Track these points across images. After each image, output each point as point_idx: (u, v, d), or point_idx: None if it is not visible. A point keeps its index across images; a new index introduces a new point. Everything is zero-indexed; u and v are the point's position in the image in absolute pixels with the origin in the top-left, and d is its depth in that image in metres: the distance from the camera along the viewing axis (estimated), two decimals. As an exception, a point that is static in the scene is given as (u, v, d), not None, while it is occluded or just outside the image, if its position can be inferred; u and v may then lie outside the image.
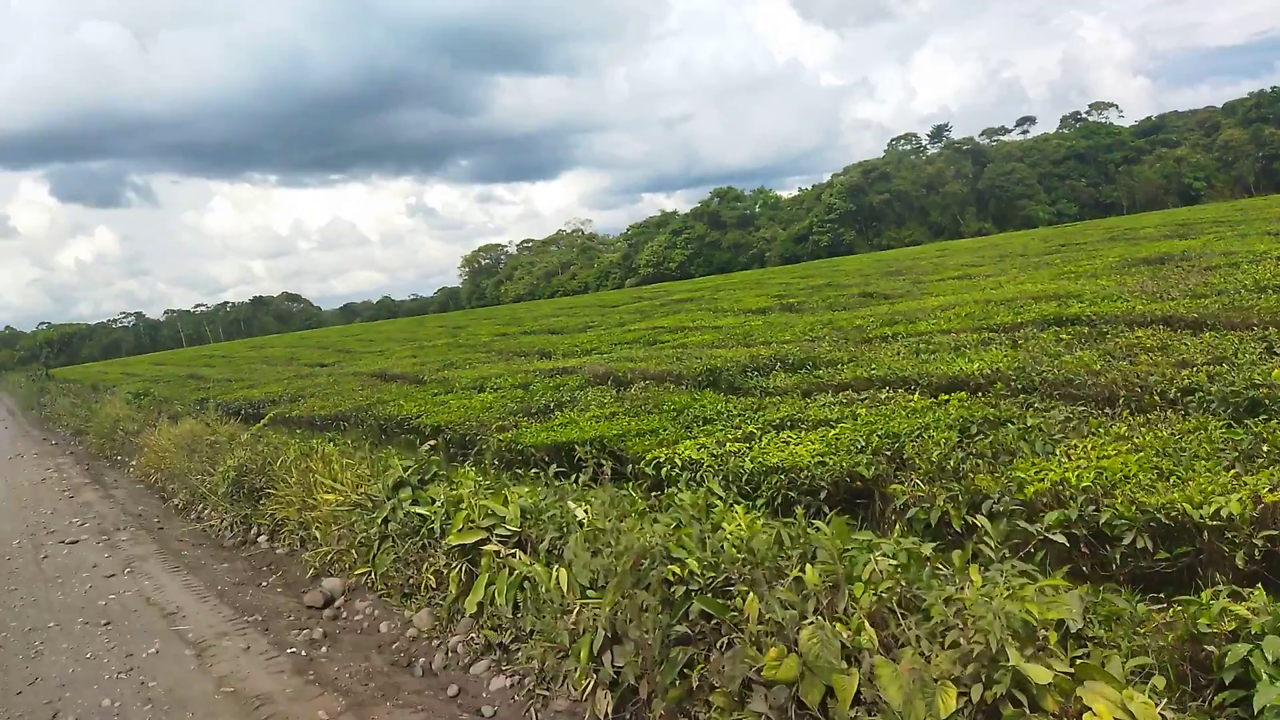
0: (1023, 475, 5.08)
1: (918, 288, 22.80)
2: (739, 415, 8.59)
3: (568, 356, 18.22)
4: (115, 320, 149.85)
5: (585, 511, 4.77)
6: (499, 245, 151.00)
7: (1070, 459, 5.27)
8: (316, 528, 7.53)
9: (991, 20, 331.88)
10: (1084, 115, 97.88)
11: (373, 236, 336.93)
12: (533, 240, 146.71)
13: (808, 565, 3.49)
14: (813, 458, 6.31)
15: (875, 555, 3.57)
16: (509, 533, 4.95)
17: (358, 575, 6.36)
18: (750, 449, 6.95)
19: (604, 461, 7.22)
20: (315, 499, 7.75)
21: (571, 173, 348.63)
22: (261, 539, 8.68)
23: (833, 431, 6.97)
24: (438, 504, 6.03)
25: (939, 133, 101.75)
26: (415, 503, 6.22)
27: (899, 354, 10.32)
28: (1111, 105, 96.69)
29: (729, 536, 3.95)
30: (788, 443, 6.94)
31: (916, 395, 7.77)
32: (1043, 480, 4.87)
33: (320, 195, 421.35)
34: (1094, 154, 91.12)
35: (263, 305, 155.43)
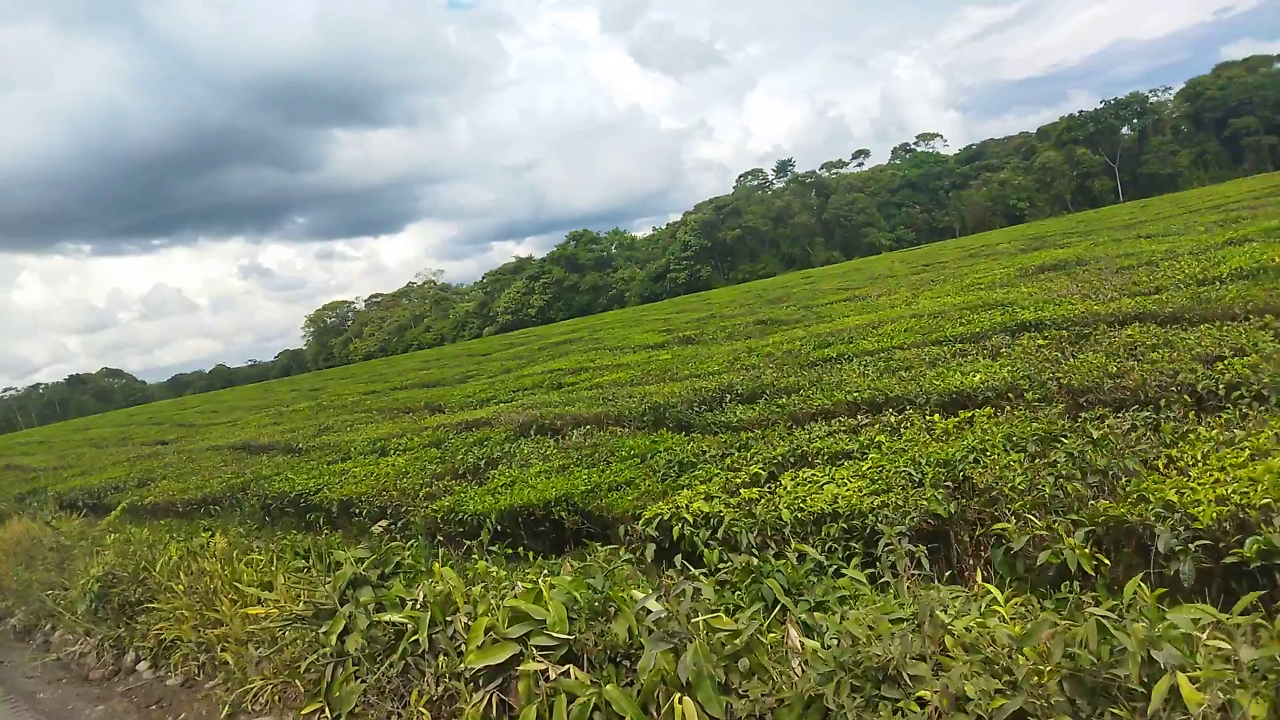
0: (1149, 495, 4.28)
1: (811, 312, 22.66)
2: (722, 456, 7.52)
3: (466, 409, 16.61)
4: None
5: (660, 604, 3.51)
6: (345, 302, 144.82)
7: (1187, 473, 4.52)
8: (226, 650, 5.78)
9: (815, 63, 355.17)
10: (912, 146, 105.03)
11: (201, 302, 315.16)
12: (382, 295, 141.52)
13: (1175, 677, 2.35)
14: (862, 498, 5.32)
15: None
16: (553, 642, 3.60)
17: (305, 715, 4.73)
18: (773, 494, 5.87)
19: (642, 532, 5.98)
20: (220, 612, 6.00)
21: (417, 224, 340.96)
22: (141, 666, 6.72)
23: (864, 464, 6.01)
24: (416, 605, 4.56)
25: (784, 167, 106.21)
26: (381, 607, 4.71)
27: (867, 374, 9.58)
28: (937, 135, 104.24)
29: (969, 633, 2.79)
30: (815, 482, 5.91)
31: (935, 416, 6.94)
32: (1184, 498, 4.06)
33: (141, 262, 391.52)
34: (925, 181, 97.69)
35: (80, 384, 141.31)
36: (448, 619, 4.43)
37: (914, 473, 5.59)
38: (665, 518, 5.99)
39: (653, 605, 3.51)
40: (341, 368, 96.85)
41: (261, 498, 11.00)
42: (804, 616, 3.35)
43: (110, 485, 15.87)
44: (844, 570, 4.13)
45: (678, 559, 4.86)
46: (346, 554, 5.08)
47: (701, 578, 4.03)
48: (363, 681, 4.40)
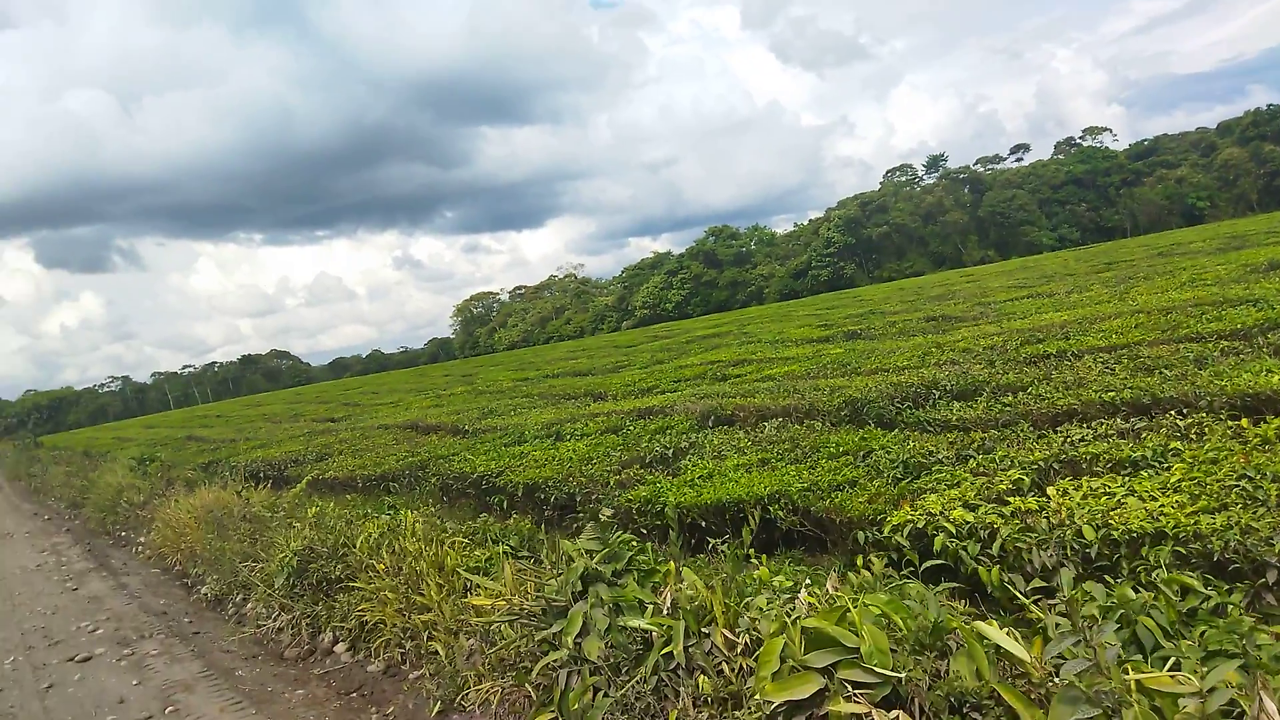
0: None
1: (989, 309, 20.96)
2: (959, 459, 6.61)
3: (629, 397, 16.22)
4: (102, 385, 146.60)
5: (1021, 645, 2.73)
6: (491, 293, 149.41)
7: None
8: (434, 639, 5.41)
9: (964, 57, 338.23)
10: (1077, 141, 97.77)
11: (359, 290, 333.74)
12: (525, 287, 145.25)
13: None
14: (1189, 516, 4.32)
15: None
16: (872, 679, 2.88)
17: (534, 723, 4.23)
18: (1047, 505, 4.94)
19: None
20: (426, 597, 5.65)
21: (557, 220, 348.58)
22: (339, 648, 6.52)
23: (1170, 476, 4.97)
24: (663, 611, 3.97)
25: (935, 163, 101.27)
26: (618, 609, 4.14)
27: (1113, 372, 8.38)
28: (1105, 129, 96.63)
29: None
30: (1108, 494, 4.94)
31: (1244, 421, 5.77)
32: None
33: (306, 252, 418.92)
34: (1091, 178, 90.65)
35: (251, 364, 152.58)
36: (704, 630, 3.80)
37: (1248, 488, 4.53)
38: (919, 525, 5.17)
39: (1013, 646, 2.72)
40: (487, 355, 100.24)
41: (441, 477, 10.87)
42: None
43: (290, 458, 16.45)
44: (1231, 606, 3.20)
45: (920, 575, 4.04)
46: (576, 545, 4.55)
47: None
48: (606, 696, 3.83)
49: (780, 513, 6.30)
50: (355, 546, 6.72)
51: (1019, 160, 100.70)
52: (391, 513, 9.73)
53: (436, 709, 5.02)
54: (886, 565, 5.19)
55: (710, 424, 10.78)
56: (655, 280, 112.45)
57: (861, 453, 7.48)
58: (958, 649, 2.88)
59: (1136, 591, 3.26)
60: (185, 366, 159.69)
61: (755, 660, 3.23)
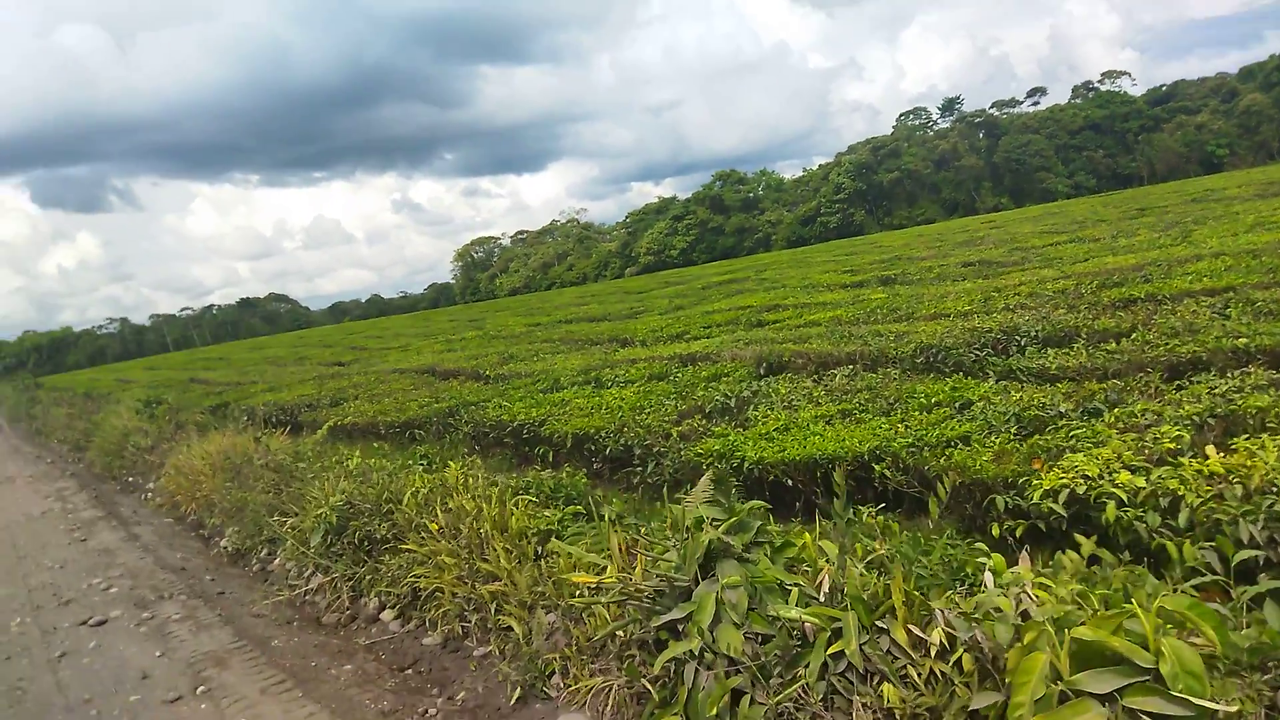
0: None
1: (1031, 254, 20.03)
2: (1086, 413, 5.83)
3: (659, 343, 15.41)
4: (100, 326, 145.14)
5: None
6: (492, 238, 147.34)
7: None
8: (506, 613, 4.69)
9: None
10: (1095, 85, 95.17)
11: (358, 234, 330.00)
12: (527, 232, 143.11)
13: None
14: None
15: None
16: (1183, 713, 2.13)
17: (650, 725, 3.51)
18: (1253, 465, 4.17)
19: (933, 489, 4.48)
20: (493, 564, 4.91)
21: (558, 164, 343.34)
22: (386, 615, 5.82)
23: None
24: (819, 600, 3.21)
25: (950, 106, 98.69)
26: (754, 591, 3.39)
27: (1220, 317, 7.59)
28: (1124, 74, 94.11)
29: None
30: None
31: None
32: None
33: (304, 194, 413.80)
34: (1110, 124, 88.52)
35: (250, 307, 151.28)
36: (879, 624, 3.05)
37: None
38: (1079, 491, 4.40)
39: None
40: (488, 301, 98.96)
41: (475, 425, 10.11)
42: None
43: (303, 403, 15.71)
44: None
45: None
46: (688, 510, 3.78)
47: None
48: (757, 702, 3.10)
49: (887, 471, 5.53)
50: (402, 503, 5.97)
51: (1035, 104, 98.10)
52: (424, 463, 9.05)
53: (515, 695, 4.31)
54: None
55: (763, 371, 10.00)
56: (660, 226, 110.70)
57: (957, 404, 6.70)
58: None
59: None
60: (183, 309, 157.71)
61: (951, 665, 2.47)
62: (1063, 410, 5.94)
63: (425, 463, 9.04)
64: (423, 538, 5.62)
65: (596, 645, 4.09)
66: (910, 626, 2.97)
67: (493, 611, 4.84)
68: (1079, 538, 3.35)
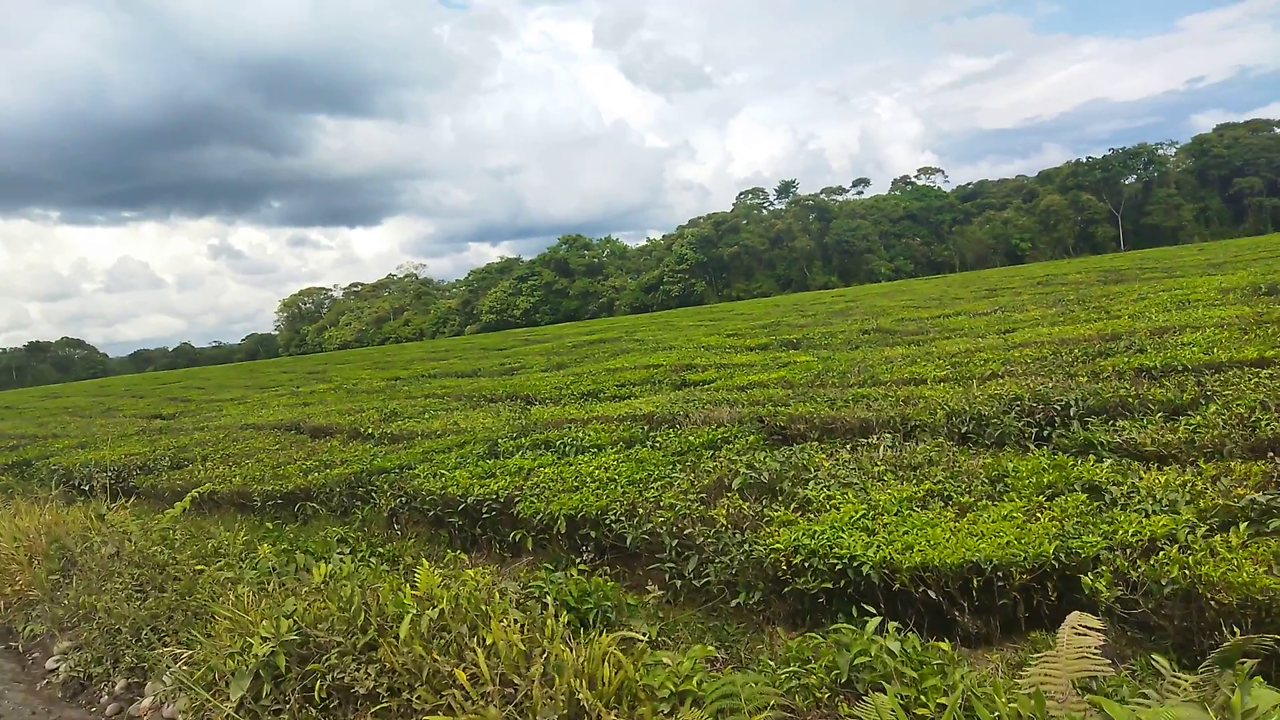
0: None
1: (923, 324, 20.04)
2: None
3: (571, 402, 13.67)
4: None
5: None
6: (322, 289, 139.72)
7: None
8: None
9: (799, 95, 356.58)
10: (913, 179, 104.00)
11: (168, 278, 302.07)
12: (361, 284, 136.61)
13: None
14: None
15: None
16: None
17: None
18: None
19: None
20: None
21: (394, 219, 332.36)
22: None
23: None
24: None
25: (786, 189, 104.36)
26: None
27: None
28: (938, 170, 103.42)
29: None
30: None
31: None
32: None
33: (110, 234, 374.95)
34: (926, 215, 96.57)
35: (39, 351, 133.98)
36: None
37: None
38: None
39: None
40: (319, 354, 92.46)
41: (404, 498, 7.96)
42: None
43: (135, 464, 12.66)
44: None
45: None
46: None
47: None
48: None
49: (1099, 585, 4.17)
50: (401, 635, 3.95)
51: (860, 193, 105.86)
52: (344, 550, 6.93)
53: None
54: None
55: (750, 433, 8.58)
56: (504, 285, 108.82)
57: (1075, 486, 5.53)
58: None
59: None
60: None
61: None
62: (1250, 500, 4.86)
63: (347, 549, 6.91)
64: (440, 695, 3.65)
65: None
66: None
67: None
68: None
